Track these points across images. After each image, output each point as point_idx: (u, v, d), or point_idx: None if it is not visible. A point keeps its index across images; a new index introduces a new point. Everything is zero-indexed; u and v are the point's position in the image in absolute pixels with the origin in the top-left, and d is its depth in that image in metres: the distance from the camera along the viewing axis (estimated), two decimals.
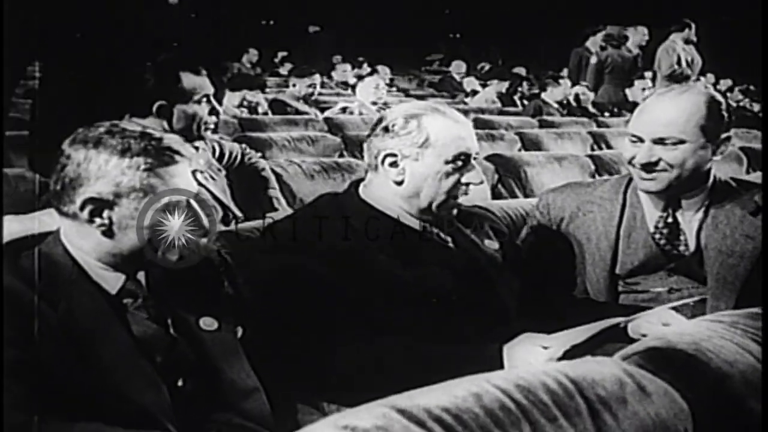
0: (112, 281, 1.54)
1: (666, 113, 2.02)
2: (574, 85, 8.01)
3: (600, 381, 1.06)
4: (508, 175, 3.75)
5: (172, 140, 1.61)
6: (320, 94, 7.95)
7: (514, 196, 3.71)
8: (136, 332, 1.53)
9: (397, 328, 1.76)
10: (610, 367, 1.11)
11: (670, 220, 2.10)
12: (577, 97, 7.48)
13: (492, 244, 1.93)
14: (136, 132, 1.56)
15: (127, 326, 1.53)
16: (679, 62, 7.34)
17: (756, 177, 3.34)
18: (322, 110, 6.93)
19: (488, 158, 3.80)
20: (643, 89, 8.52)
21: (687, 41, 7.48)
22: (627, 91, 8.53)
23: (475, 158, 1.88)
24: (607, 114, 7.56)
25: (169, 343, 1.56)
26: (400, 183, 1.87)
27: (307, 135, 4.90)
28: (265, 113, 6.33)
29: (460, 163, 1.85)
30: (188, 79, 2.48)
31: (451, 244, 1.91)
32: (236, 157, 2.92)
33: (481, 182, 1.88)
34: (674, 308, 1.83)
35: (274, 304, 1.78)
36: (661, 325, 1.80)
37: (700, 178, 2.07)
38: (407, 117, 1.87)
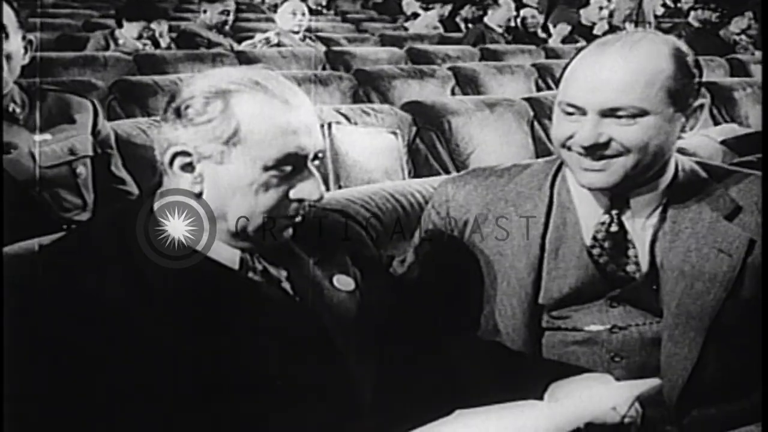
0: None
1: (618, 72, 1.37)
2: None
3: None
4: (429, 127, 3.09)
5: None
6: (240, 20, 7.13)
7: (435, 153, 3.06)
8: None
9: None
10: None
11: (614, 228, 1.47)
12: (524, 20, 6.76)
13: (345, 283, 1.29)
14: None
15: None
16: None
17: (727, 130, 2.73)
18: (241, 41, 6.15)
19: (405, 107, 3.13)
20: (600, 8, 7.84)
21: None
22: (581, 11, 7.84)
23: (317, 159, 1.23)
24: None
25: None
26: (198, 195, 1.22)
27: None
28: (168, 47, 5.54)
29: (288, 169, 1.20)
30: None
31: (286, 284, 1.27)
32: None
33: (321, 197, 1.23)
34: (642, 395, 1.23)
35: None
36: (594, 404, 1.21)
37: (660, 167, 1.45)
38: (209, 95, 1.20)
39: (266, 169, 1.19)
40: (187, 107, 1.20)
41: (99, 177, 2.13)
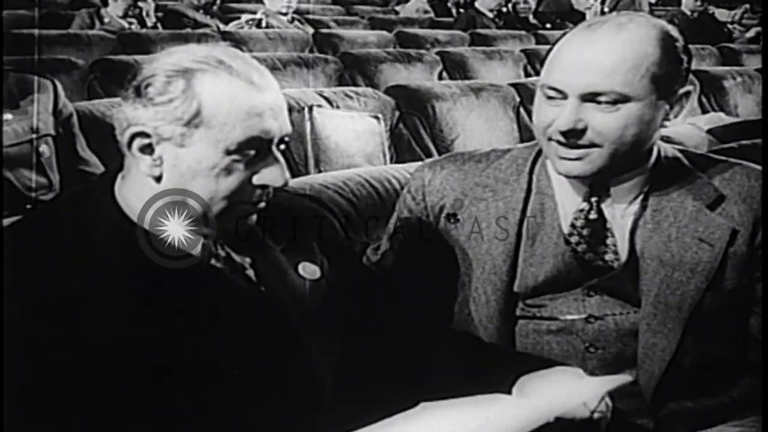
0: None
1: (602, 55, 1.32)
2: None
3: None
4: (412, 112, 3.03)
5: None
6: (229, 0, 7.04)
7: (418, 138, 3.01)
8: None
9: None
10: None
11: (593, 215, 1.43)
12: (515, 6, 6.69)
13: (311, 271, 1.24)
14: None
15: None
16: None
17: (714, 119, 2.69)
18: (229, 22, 6.07)
19: (389, 91, 3.07)
20: None
21: None
22: None
23: (283, 143, 1.19)
24: (549, 26, 6.81)
25: None
26: (158, 179, 1.17)
27: None
28: (155, 26, 5.47)
29: (251, 153, 1.15)
30: None
31: (249, 271, 1.23)
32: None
33: (285, 183, 1.18)
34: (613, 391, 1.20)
35: None
36: (564, 399, 1.17)
37: (642, 155, 1.41)
38: (170, 74, 1.15)
39: (229, 152, 1.14)
40: (147, 86, 1.15)
41: (63, 157, 2.10)
